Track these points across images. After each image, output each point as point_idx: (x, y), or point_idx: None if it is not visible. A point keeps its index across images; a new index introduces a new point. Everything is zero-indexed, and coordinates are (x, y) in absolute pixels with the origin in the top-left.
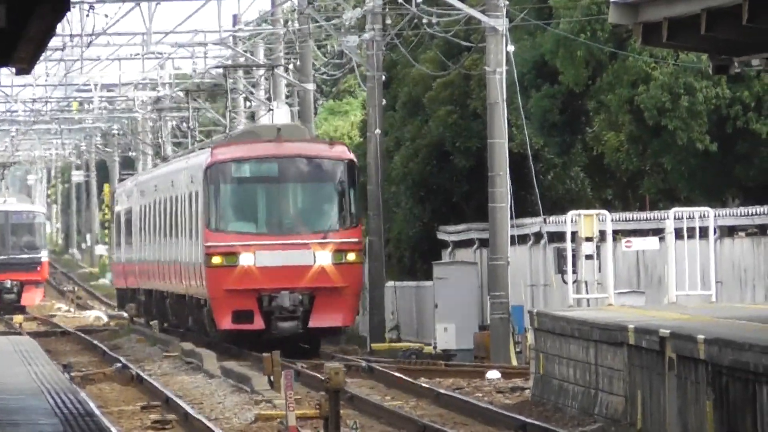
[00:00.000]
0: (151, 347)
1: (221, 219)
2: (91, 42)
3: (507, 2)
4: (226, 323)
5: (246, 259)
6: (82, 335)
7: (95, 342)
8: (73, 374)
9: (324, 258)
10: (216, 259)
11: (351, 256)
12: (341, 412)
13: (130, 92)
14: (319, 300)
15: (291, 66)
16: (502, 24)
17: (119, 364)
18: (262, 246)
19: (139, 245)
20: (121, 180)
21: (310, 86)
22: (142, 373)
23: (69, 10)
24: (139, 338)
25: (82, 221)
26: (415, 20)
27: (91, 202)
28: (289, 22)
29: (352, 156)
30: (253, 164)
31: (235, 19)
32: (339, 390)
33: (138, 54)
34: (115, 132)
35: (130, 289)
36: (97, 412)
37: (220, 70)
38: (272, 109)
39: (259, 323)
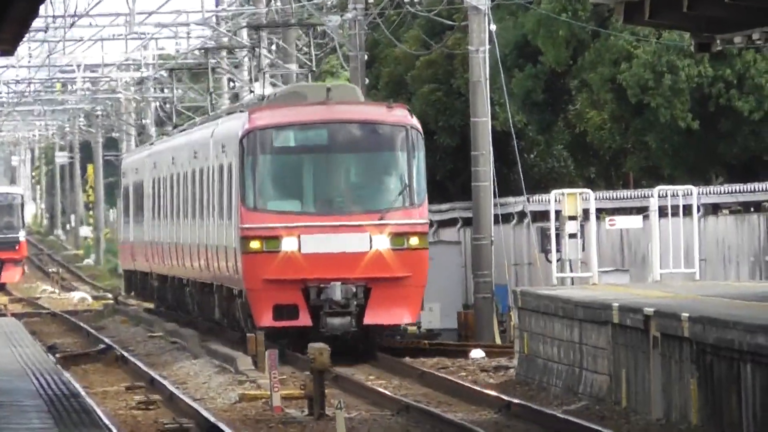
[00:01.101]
0: (135, 328)
1: (260, 196)
2: (74, 23)
3: None
4: (265, 319)
5: (289, 244)
6: (67, 316)
7: (80, 323)
8: (57, 355)
9: (382, 242)
10: (254, 244)
11: (414, 241)
12: (326, 391)
13: (113, 73)
14: (375, 292)
15: (274, 47)
16: (484, 3)
17: (103, 345)
18: (308, 228)
19: (152, 224)
20: (122, 155)
21: (293, 67)
22: (126, 354)
23: None
24: (123, 319)
25: (66, 202)
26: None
27: (75, 184)
28: (272, 2)
29: (414, 121)
30: (298, 131)
31: (218, 0)
32: (323, 370)
33: (121, 35)
34: (99, 113)
35: (140, 272)
36: (82, 392)
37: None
38: (252, 91)
39: (304, 319)
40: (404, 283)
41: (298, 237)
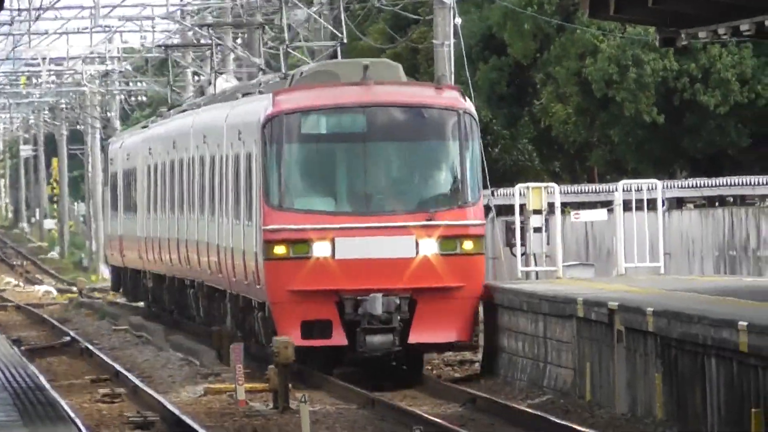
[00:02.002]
0: (100, 321)
1: (286, 193)
2: (39, 16)
3: None
4: (292, 337)
5: (321, 249)
6: (32, 309)
7: (45, 316)
8: (22, 348)
9: (430, 247)
10: (279, 249)
11: (468, 245)
12: (290, 385)
13: (78, 66)
14: (422, 305)
15: (239, 41)
16: None
17: (68, 338)
18: (343, 231)
19: (148, 217)
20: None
21: (259, 61)
22: (91, 347)
23: None
24: (88, 312)
25: (31, 195)
26: None
27: (40, 177)
28: None
29: (468, 104)
30: (331, 116)
31: None
32: (288, 364)
33: (86, 28)
34: (63, 106)
35: (130, 269)
36: (47, 385)
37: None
38: (211, 82)
39: (339, 338)
40: (456, 294)
41: (332, 241)
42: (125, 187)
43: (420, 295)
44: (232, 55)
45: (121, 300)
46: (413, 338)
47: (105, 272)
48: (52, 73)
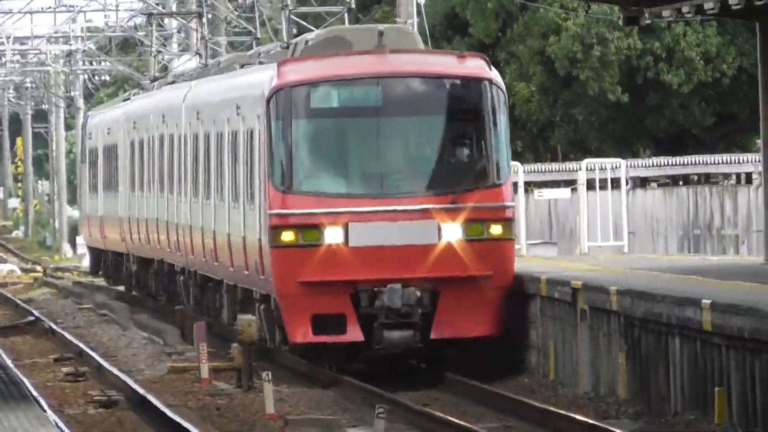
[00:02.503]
0: (65, 300)
1: (294, 173)
2: None
3: None
4: (302, 333)
5: (333, 236)
6: None
7: (8, 295)
8: None
9: (453, 232)
10: (287, 235)
11: (496, 230)
12: (253, 364)
13: (42, 45)
14: (445, 297)
15: (204, 20)
16: None
17: (32, 317)
18: (358, 215)
19: (132, 196)
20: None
21: (222, 40)
22: (55, 326)
23: None
24: (52, 291)
25: None
26: None
27: (4, 156)
28: None
29: (494, 74)
30: (343, 88)
31: None
32: (252, 343)
33: (50, 7)
34: (28, 85)
35: (111, 252)
36: (10, 364)
37: (132, 23)
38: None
39: (354, 333)
40: (483, 284)
41: (345, 226)
42: (106, 164)
43: (443, 286)
44: (195, 35)
45: (86, 279)
46: (436, 333)
47: (69, 251)
48: (16, 52)
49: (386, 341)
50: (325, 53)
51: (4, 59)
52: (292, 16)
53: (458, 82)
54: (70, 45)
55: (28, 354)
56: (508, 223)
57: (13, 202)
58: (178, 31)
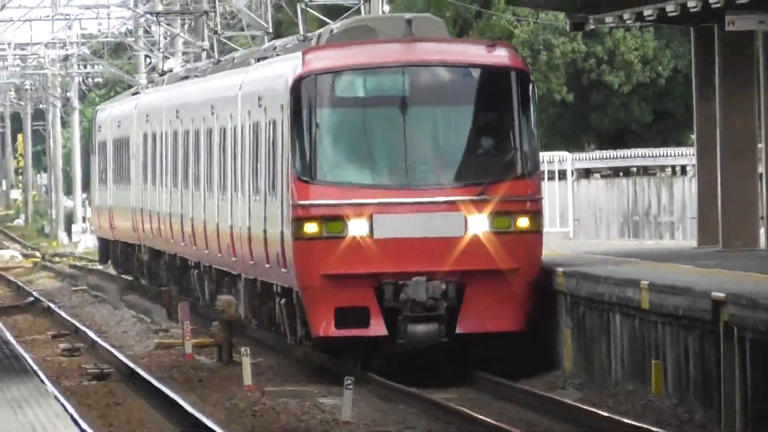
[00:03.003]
0: (61, 283)
1: (318, 164)
2: (4, 5)
3: None
4: (325, 327)
5: (358, 228)
6: None
7: (10, 278)
8: None
9: (480, 224)
10: (310, 227)
11: (523, 222)
12: (233, 340)
13: (40, 51)
14: (472, 291)
15: (186, 26)
16: None
17: (32, 298)
18: (383, 206)
19: (144, 189)
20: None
21: (205, 45)
22: (53, 306)
23: None
24: (50, 275)
25: None
26: None
27: (6, 151)
28: None
29: (523, 64)
30: (369, 76)
31: None
32: (232, 321)
33: (48, 16)
34: (28, 87)
35: (121, 242)
36: (12, 340)
37: (123, 29)
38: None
39: (377, 327)
40: (510, 278)
41: (370, 218)
42: (116, 157)
43: (469, 279)
44: (180, 40)
45: (81, 263)
46: (462, 328)
47: (65, 239)
48: (17, 57)
49: (410, 335)
50: (351, 41)
51: (5, 63)
52: (309, 9)
53: (486, 71)
54: (66, 50)
55: (28, 331)
56: (536, 215)
57: (15, 194)
58: (165, 37)
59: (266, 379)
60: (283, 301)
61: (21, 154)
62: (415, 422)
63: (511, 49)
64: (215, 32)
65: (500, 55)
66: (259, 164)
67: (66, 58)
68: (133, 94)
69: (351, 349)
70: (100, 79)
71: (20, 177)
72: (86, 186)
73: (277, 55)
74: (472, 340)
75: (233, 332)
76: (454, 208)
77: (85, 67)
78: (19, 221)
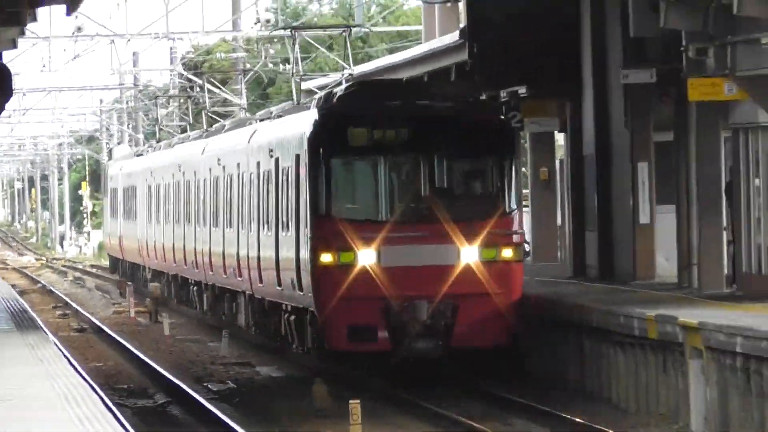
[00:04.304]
0: (57, 275)
1: (333, 202)
2: (24, 113)
3: None
4: (339, 341)
5: (367, 257)
6: (21, 269)
7: (27, 272)
8: (17, 290)
9: (470, 255)
10: (326, 257)
11: (507, 253)
12: (158, 309)
13: (44, 141)
14: (463, 311)
15: (205, 94)
16: None
17: (40, 284)
18: (388, 239)
19: (149, 224)
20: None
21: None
22: (53, 289)
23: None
24: (51, 271)
25: (19, 208)
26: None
27: (24, 199)
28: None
29: (506, 119)
30: (376, 128)
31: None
32: (158, 298)
33: (51, 120)
34: (37, 161)
35: (128, 261)
36: (29, 309)
37: (93, 128)
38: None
39: (384, 342)
40: (497, 299)
41: (378, 249)
42: (125, 200)
43: (462, 301)
44: (126, 133)
45: (69, 264)
46: (456, 342)
47: (60, 250)
48: (31, 145)
49: (413, 349)
50: (358, 99)
51: (24, 148)
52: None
53: (476, 123)
54: (60, 140)
55: (38, 304)
56: (517, 246)
57: (30, 224)
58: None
59: (177, 332)
60: (292, 317)
61: (33, 200)
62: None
63: (496, 105)
64: (204, 108)
65: (485, 110)
66: (270, 203)
67: (60, 144)
68: (137, 155)
69: (360, 359)
70: (79, 156)
71: (33, 213)
72: (73, 219)
73: (278, 116)
74: (461, 353)
75: (158, 304)
76: (449, 240)
77: (71, 148)
78: (33, 240)
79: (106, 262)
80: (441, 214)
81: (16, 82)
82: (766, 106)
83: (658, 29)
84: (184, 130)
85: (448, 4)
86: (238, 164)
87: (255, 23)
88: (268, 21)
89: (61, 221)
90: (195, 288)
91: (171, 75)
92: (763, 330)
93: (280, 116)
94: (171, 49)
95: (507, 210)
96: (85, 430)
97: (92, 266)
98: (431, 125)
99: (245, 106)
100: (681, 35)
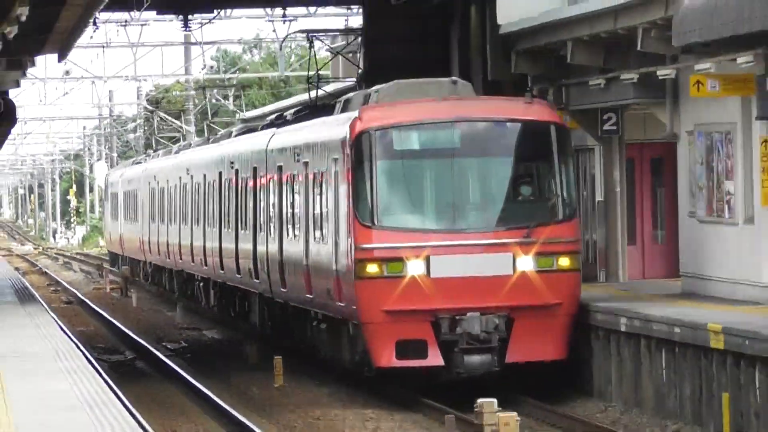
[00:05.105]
0: (52, 261)
1: (378, 210)
2: (25, 137)
3: None
4: (386, 358)
5: (416, 268)
6: (22, 255)
7: (27, 257)
8: (19, 271)
9: (526, 264)
10: (372, 268)
11: (564, 261)
12: (128, 286)
13: (40, 158)
14: (520, 324)
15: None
16: None
17: (38, 267)
18: (438, 248)
19: (151, 224)
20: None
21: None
22: (47, 270)
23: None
24: (46, 257)
25: (22, 210)
26: None
27: (26, 203)
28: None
29: (560, 118)
30: (424, 131)
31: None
32: (127, 277)
33: (44, 141)
34: (35, 174)
35: (129, 257)
36: (30, 287)
37: (79, 146)
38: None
39: (435, 358)
40: (553, 312)
41: (427, 258)
42: (126, 203)
43: (517, 313)
44: (103, 152)
45: (59, 251)
46: (511, 357)
47: (52, 241)
48: (30, 161)
49: (467, 365)
50: (403, 100)
51: (25, 164)
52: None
53: (529, 125)
54: (53, 157)
55: (36, 282)
56: (575, 255)
57: (30, 221)
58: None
59: (143, 304)
60: (323, 326)
61: (33, 203)
62: None
63: (548, 106)
64: (205, 118)
65: (539, 111)
66: (298, 208)
67: (53, 161)
68: (134, 162)
69: (408, 376)
70: (67, 170)
71: (32, 213)
72: (62, 217)
73: (287, 120)
74: (517, 368)
75: (128, 282)
76: (504, 249)
77: (62, 164)
78: (32, 233)
79: (88, 251)
80: (495, 221)
81: (19, 113)
82: (593, 133)
83: (510, 74)
84: (148, 147)
85: (350, 55)
86: (255, 168)
87: (202, 68)
88: (212, 67)
89: (54, 219)
90: (201, 284)
91: (138, 107)
92: None
93: (289, 120)
94: (138, 88)
95: (564, 216)
96: (72, 379)
97: (77, 254)
98: (482, 128)
99: (193, 131)
100: (528, 78)
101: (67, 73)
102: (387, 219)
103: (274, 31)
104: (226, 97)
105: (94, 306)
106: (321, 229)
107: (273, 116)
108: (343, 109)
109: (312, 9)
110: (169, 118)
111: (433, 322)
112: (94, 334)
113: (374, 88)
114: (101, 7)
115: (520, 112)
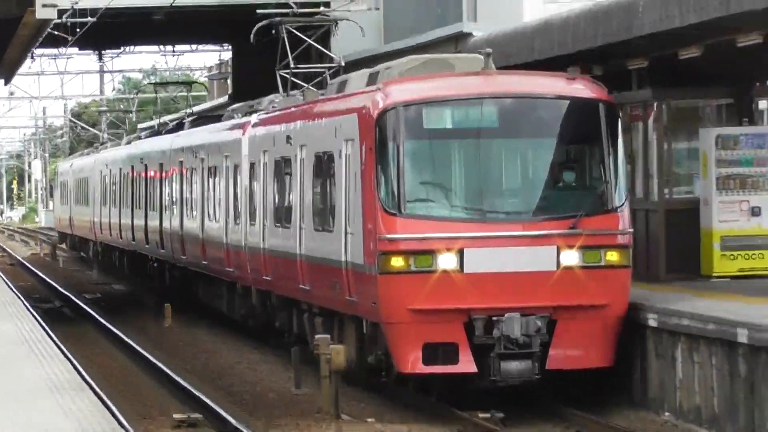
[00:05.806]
0: (13, 242)
1: (406, 196)
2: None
3: None
4: (412, 363)
5: (447, 261)
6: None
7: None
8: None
9: (572, 258)
10: (397, 261)
11: (612, 256)
12: (56, 251)
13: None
14: (563, 326)
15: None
16: None
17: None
18: (473, 240)
19: (103, 207)
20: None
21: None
22: (20, 258)
23: None
24: (16, 242)
25: None
26: None
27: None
28: None
29: (608, 95)
30: (458, 108)
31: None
32: (55, 244)
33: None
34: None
35: (78, 236)
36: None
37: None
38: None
39: (467, 364)
40: (600, 313)
41: (460, 252)
42: (76, 189)
43: (560, 315)
44: (67, 144)
45: (5, 227)
46: (552, 364)
47: (1, 219)
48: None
49: (504, 373)
50: (430, 74)
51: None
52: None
53: (575, 103)
54: (0, 156)
55: (20, 251)
56: (625, 249)
57: (8, 213)
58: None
59: (68, 265)
60: (332, 326)
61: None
62: None
63: (595, 82)
64: (115, 126)
65: (584, 87)
66: (302, 194)
67: (0, 159)
68: (87, 153)
69: (437, 383)
70: (12, 166)
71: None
72: (8, 201)
73: (274, 107)
74: (558, 376)
75: (55, 249)
76: (547, 241)
77: (7, 162)
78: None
79: (28, 225)
80: (536, 210)
81: None
82: None
83: None
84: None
85: (221, 80)
86: (226, 157)
87: (113, 90)
88: (120, 90)
89: (1, 202)
90: (155, 264)
91: (64, 119)
92: None
93: (274, 107)
94: (64, 104)
95: (613, 205)
96: (14, 322)
97: (19, 228)
98: (523, 105)
99: (106, 136)
100: None
101: (11, 93)
102: (415, 207)
103: (166, 62)
104: (129, 112)
105: (31, 267)
106: (325, 218)
107: (174, 123)
108: (339, 91)
109: (194, 46)
110: (87, 126)
111: (466, 323)
112: (31, 288)
113: (384, 64)
114: (37, 44)
115: (565, 89)
